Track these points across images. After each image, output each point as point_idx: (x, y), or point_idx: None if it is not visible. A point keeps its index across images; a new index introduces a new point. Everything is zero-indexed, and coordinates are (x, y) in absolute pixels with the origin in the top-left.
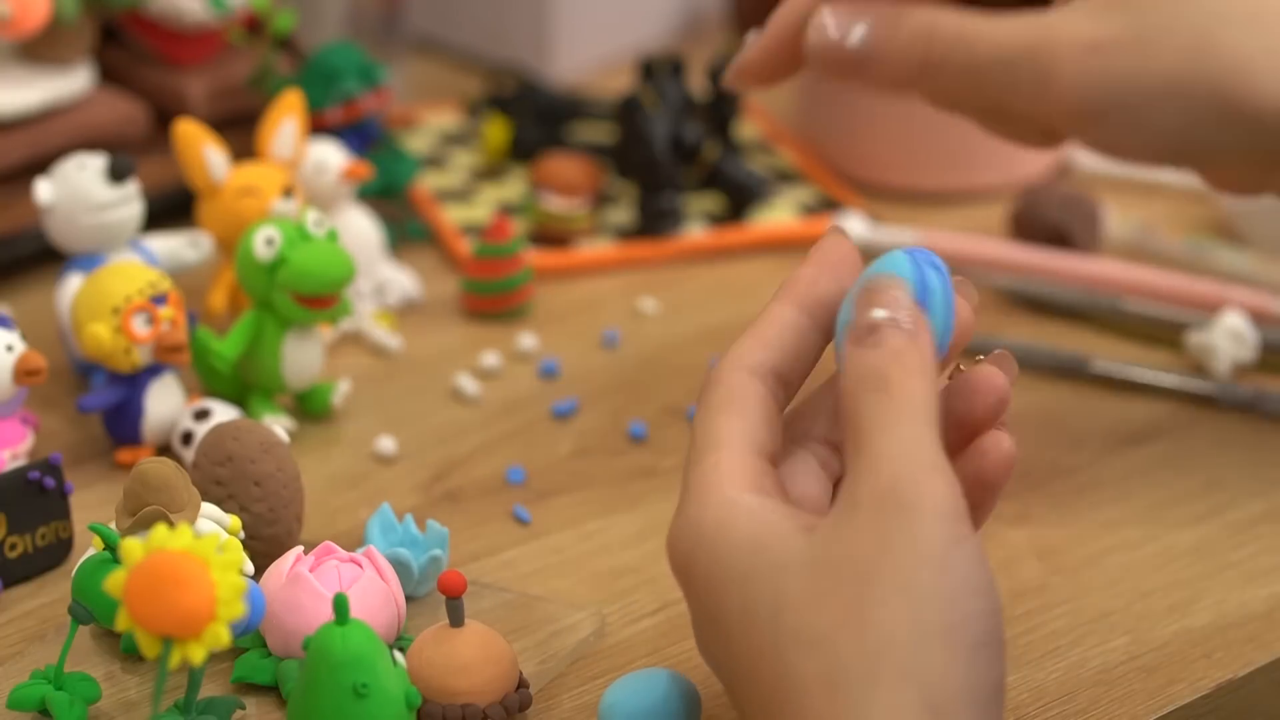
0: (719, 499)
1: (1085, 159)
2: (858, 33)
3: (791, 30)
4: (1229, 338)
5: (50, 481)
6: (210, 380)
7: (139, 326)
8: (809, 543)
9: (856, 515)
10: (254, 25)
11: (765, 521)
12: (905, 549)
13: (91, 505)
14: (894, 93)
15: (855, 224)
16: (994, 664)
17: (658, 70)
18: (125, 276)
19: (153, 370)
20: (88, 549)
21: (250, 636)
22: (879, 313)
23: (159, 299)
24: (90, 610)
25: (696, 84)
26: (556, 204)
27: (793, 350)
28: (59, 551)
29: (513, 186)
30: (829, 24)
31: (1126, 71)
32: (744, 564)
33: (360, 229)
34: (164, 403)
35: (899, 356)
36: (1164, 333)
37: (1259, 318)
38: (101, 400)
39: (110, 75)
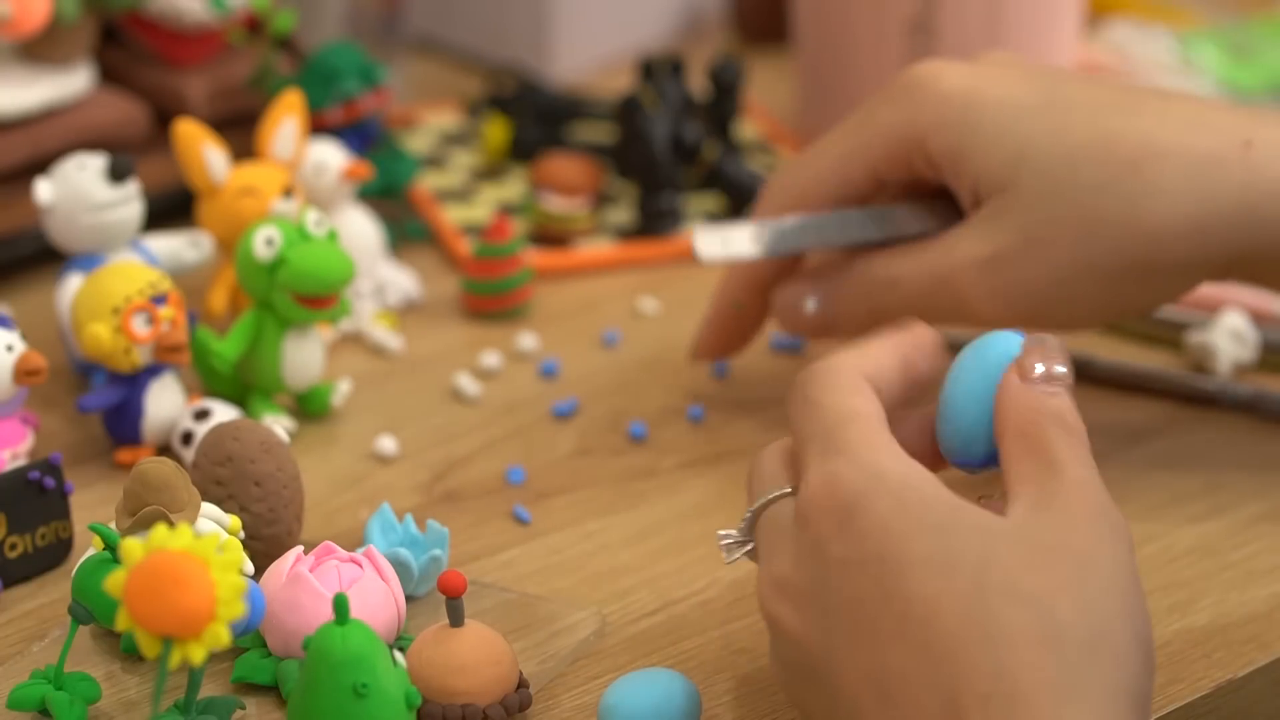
0: (893, 454)
1: None
2: (810, 304)
3: (727, 312)
4: (1229, 337)
5: (50, 481)
6: (210, 380)
7: (139, 326)
8: (1014, 520)
9: (1068, 517)
10: (254, 25)
11: (944, 488)
12: (1119, 558)
13: (91, 505)
14: (861, 336)
15: None
16: (1153, 676)
17: (658, 70)
18: (125, 276)
19: (153, 370)
20: (88, 549)
21: (250, 636)
22: (1060, 368)
23: (159, 299)
24: (90, 610)
25: (696, 84)
26: (556, 204)
27: (889, 380)
28: (59, 551)
29: (513, 186)
30: (787, 300)
31: (1023, 277)
32: (941, 516)
33: (360, 229)
34: (164, 403)
35: (1074, 411)
36: (1164, 332)
37: (1259, 318)
38: (101, 400)
39: (110, 75)
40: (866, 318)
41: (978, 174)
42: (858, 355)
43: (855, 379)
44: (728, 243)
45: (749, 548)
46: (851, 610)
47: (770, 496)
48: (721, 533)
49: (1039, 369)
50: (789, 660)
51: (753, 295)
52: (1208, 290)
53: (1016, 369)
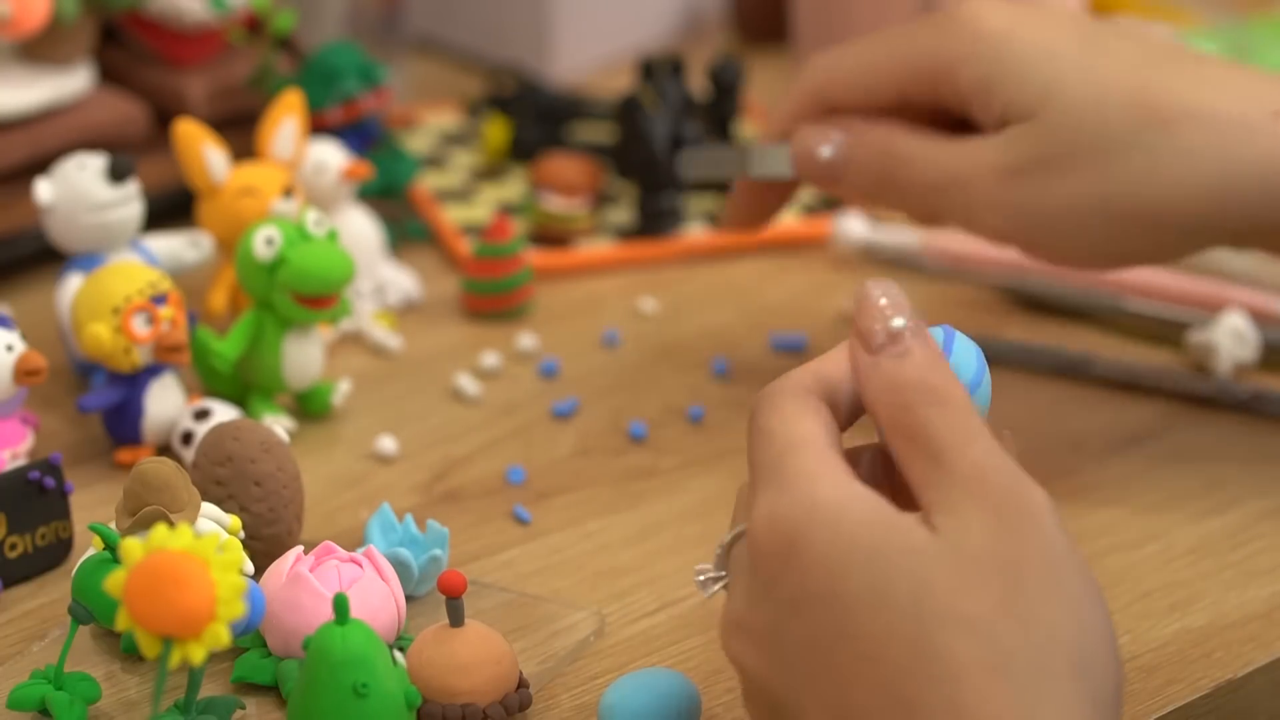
0: (832, 481)
1: None
2: (826, 150)
3: (756, 189)
4: (1231, 337)
5: (50, 481)
6: (210, 380)
7: (139, 326)
8: (938, 535)
9: (981, 518)
10: (254, 25)
11: (882, 507)
12: (1044, 551)
13: (91, 505)
14: (863, 203)
15: (856, 225)
16: (1120, 662)
17: (658, 70)
18: (125, 276)
19: (153, 370)
20: (88, 549)
21: (250, 636)
22: (899, 321)
23: (159, 299)
24: (90, 610)
25: (696, 84)
26: (556, 204)
27: (847, 391)
28: (59, 551)
29: (513, 186)
30: (806, 140)
31: (1035, 197)
32: (872, 542)
33: (360, 229)
34: (164, 403)
35: (934, 364)
36: (1165, 332)
37: (1260, 318)
38: (101, 400)
39: (110, 75)
40: (873, 184)
41: (1006, 103)
42: (810, 372)
43: (802, 401)
44: (716, 164)
45: (724, 583)
46: (808, 651)
47: (736, 532)
48: (698, 568)
49: (878, 332)
50: (757, 700)
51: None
52: (1209, 290)
53: (859, 339)
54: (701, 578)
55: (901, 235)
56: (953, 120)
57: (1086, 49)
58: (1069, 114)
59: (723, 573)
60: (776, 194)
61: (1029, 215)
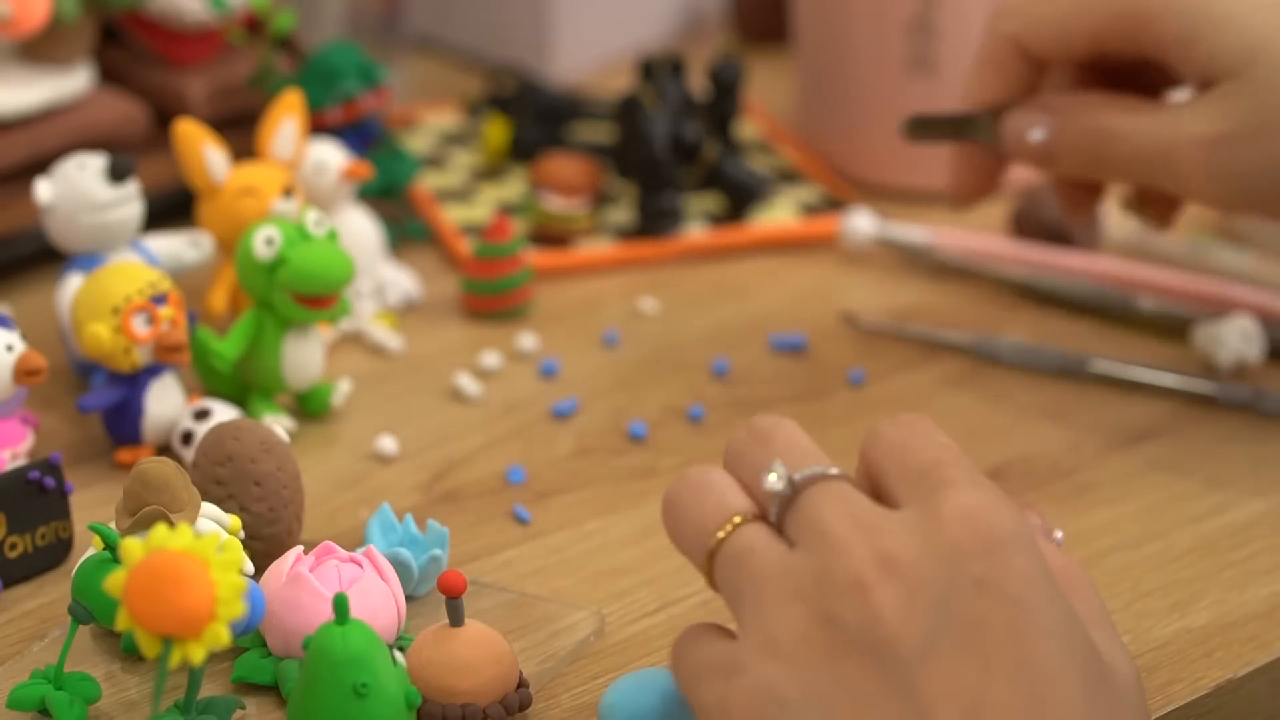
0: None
1: None
2: (1037, 133)
3: (972, 155)
4: (1237, 335)
5: (50, 481)
6: (210, 380)
7: (139, 326)
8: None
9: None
10: (254, 25)
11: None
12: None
13: (91, 505)
14: (1071, 178)
15: (864, 221)
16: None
17: (658, 70)
18: (125, 276)
19: (153, 370)
20: (88, 549)
21: (250, 636)
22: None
23: (159, 299)
24: (90, 610)
25: (696, 84)
26: (556, 204)
27: None
28: (59, 551)
29: (513, 186)
30: (1017, 124)
31: (1247, 162)
32: (1063, 599)
33: (360, 229)
34: (164, 403)
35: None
36: (1172, 328)
37: (1265, 317)
38: (101, 400)
39: (110, 75)
40: (1086, 163)
41: (1210, 56)
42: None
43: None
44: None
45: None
46: (973, 629)
47: (831, 471)
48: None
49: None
50: (859, 641)
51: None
52: (1216, 288)
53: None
54: (774, 484)
55: (911, 230)
56: (1146, 71)
57: None
58: (1278, 71)
59: (789, 491)
60: (997, 159)
61: (1242, 180)
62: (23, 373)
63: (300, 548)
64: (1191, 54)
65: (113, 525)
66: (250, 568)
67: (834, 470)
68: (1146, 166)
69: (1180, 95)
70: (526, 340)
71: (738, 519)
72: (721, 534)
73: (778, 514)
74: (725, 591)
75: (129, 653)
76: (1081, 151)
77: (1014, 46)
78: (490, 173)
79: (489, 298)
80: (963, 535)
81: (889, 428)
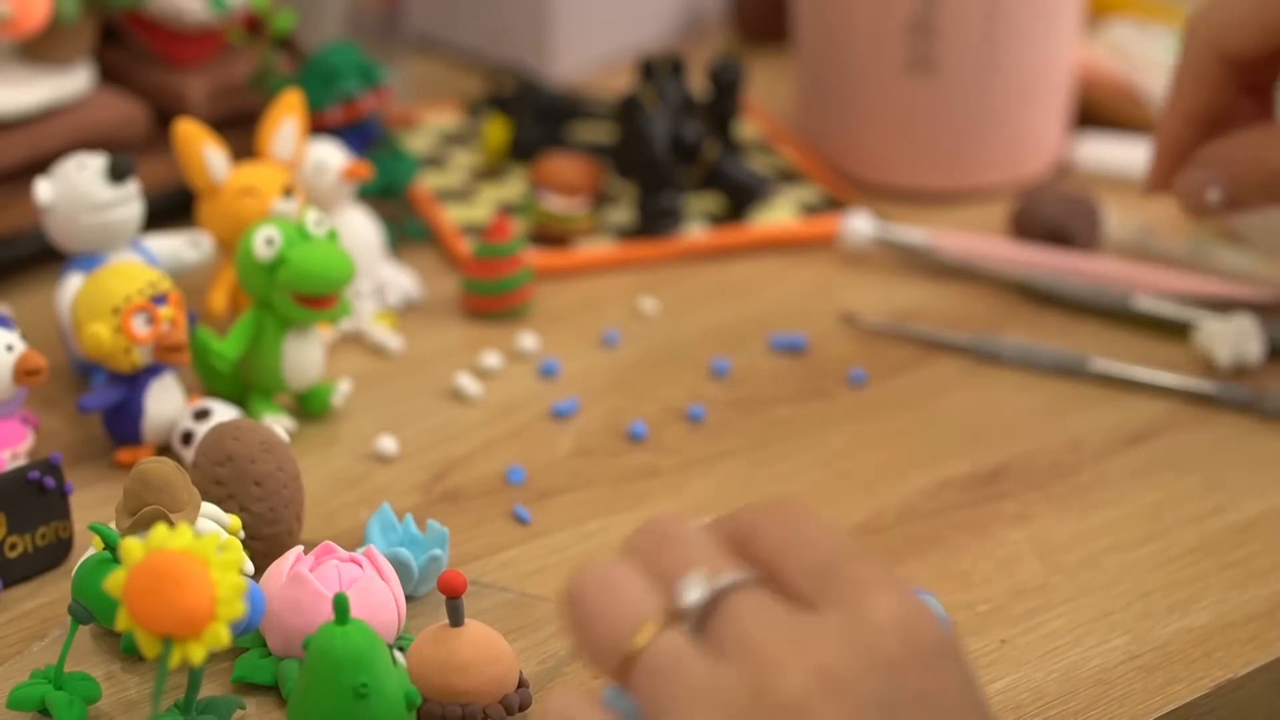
0: None
1: (1085, 159)
2: (1213, 194)
3: (1169, 158)
4: (1236, 333)
5: (50, 481)
6: (210, 380)
7: (139, 326)
8: None
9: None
10: (254, 25)
11: None
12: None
13: (91, 505)
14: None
15: (863, 222)
16: None
17: (658, 70)
18: (125, 276)
19: (153, 370)
20: (88, 549)
21: (250, 636)
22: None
23: (159, 299)
24: (90, 610)
25: (696, 84)
26: (556, 204)
27: None
28: (59, 551)
29: (513, 186)
30: (1185, 186)
31: None
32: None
33: (360, 229)
34: (164, 403)
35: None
36: (1171, 327)
37: (1265, 317)
38: (101, 400)
39: (110, 75)
40: (1268, 201)
41: None
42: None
43: None
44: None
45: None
46: None
47: (739, 580)
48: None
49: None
50: None
51: (1192, 130)
52: (1217, 287)
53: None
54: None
55: (910, 230)
56: None
57: None
58: None
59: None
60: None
61: None
62: (23, 373)
63: (300, 548)
64: None
65: (113, 525)
66: (250, 568)
67: (748, 576)
68: None
69: None
70: (526, 340)
71: (654, 625)
72: (640, 640)
73: (697, 623)
74: (645, 702)
75: (129, 653)
76: (1262, 194)
77: (1213, 52)
78: (490, 173)
79: (489, 298)
80: (899, 647)
81: (769, 523)
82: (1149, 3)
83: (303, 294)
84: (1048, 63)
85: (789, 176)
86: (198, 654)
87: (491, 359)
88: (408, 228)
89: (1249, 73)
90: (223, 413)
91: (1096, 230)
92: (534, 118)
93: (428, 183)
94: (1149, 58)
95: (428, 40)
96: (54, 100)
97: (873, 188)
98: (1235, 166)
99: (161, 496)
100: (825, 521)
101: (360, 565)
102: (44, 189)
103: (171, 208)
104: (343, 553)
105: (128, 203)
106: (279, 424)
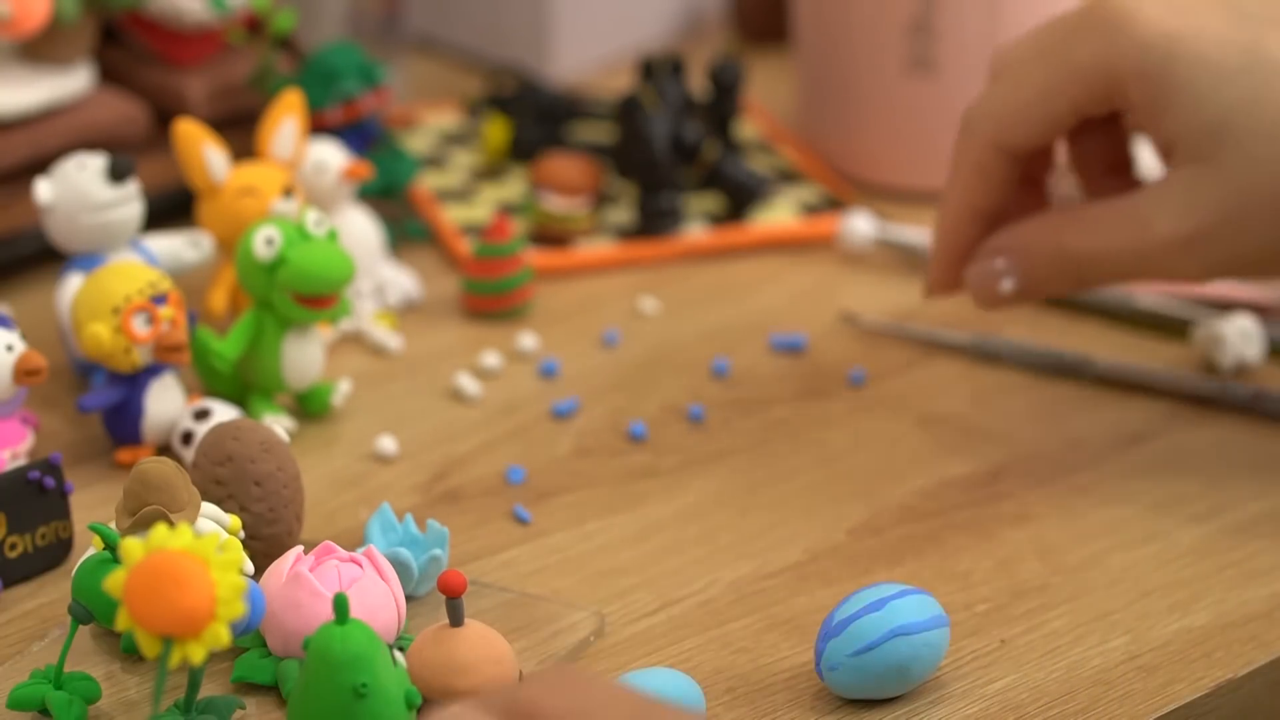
0: None
1: None
2: (1006, 285)
3: (951, 258)
4: (1237, 334)
5: (50, 481)
6: (210, 380)
7: (139, 326)
8: None
9: None
10: (254, 25)
11: None
12: None
13: (91, 505)
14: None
15: (863, 222)
16: None
17: (658, 70)
18: (125, 276)
19: (153, 370)
20: (88, 549)
21: (250, 636)
22: None
23: (159, 299)
24: (90, 610)
25: (696, 84)
26: (556, 204)
27: None
28: (59, 551)
29: (513, 186)
30: (978, 277)
31: (1232, 250)
32: None
33: (360, 229)
34: (164, 403)
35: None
36: (1171, 327)
37: (1266, 316)
38: (101, 400)
39: (110, 75)
40: (1068, 290)
41: (1175, 135)
42: None
43: None
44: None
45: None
46: None
47: None
48: None
49: None
50: None
51: (975, 225)
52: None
53: None
54: None
55: (910, 231)
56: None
57: (1255, 64)
58: (1244, 153)
59: None
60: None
61: (1227, 266)
62: (23, 373)
63: (300, 548)
64: (1159, 125)
65: (113, 525)
66: (250, 568)
67: None
68: (1131, 274)
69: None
70: (526, 340)
71: None
72: None
73: None
74: None
75: (129, 653)
76: (1060, 284)
77: (993, 145)
78: (490, 173)
79: (489, 298)
80: None
81: (552, 697)
82: None
83: (303, 294)
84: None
85: (789, 176)
86: (198, 654)
87: (491, 359)
88: (408, 228)
89: (1027, 165)
90: (223, 413)
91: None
92: (534, 118)
93: (428, 183)
94: None
95: (428, 40)
96: (54, 100)
97: (873, 188)
98: (1030, 254)
99: (161, 496)
100: (611, 688)
101: (360, 565)
102: (44, 189)
103: (171, 208)
104: (343, 553)
105: (128, 203)
106: (279, 424)
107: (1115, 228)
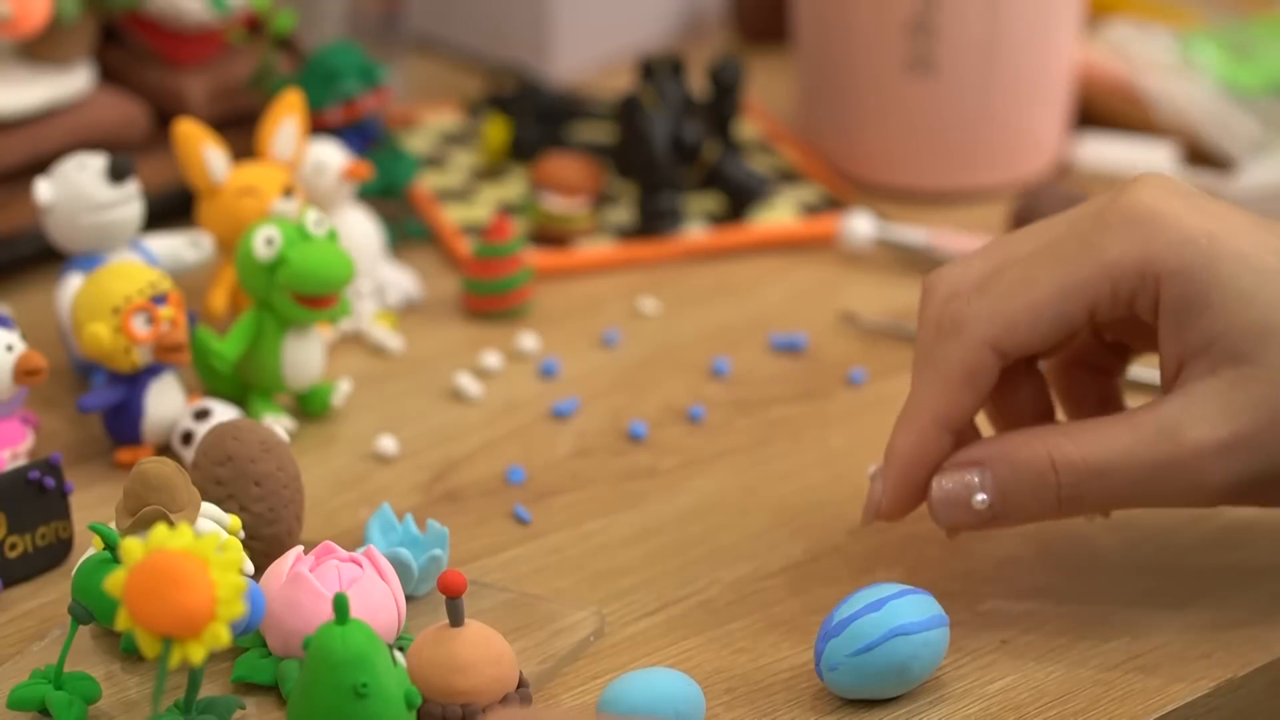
0: None
1: (1085, 158)
2: (979, 499)
3: (913, 475)
4: None
5: (50, 481)
6: (210, 380)
7: (139, 326)
8: None
9: None
10: (254, 25)
11: None
12: None
13: (91, 505)
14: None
15: (864, 223)
16: None
17: (658, 70)
18: (125, 276)
19: (153, 370)
20: (88, 549)
21: (250, 636)
22: None
23: (159, 299)
24: (90, 610)
25: (696, 84)
26: (556, 204)
27: None
28: (59, 551)
29: (513, 186)
30: (948, 493)
31: (1263, 466)
32: None
33: (360, 229)
34: (164, 403)
35: None
36: None
37: None
38: (101, 400)
39: (110, 75)
40: (1051, 509)
41: (1212, 337)
42: None
43: None
44: None
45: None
46: None
47: None
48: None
49: None
50: None
51: (947, 438)
52: None
53: None
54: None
55: (910, 230)
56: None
57: None
58: None
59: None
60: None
61: (1256, 478)
62: (23, 373)
63: (300, 548)
64: (1192, 328)
65: (113, 525)
66: (250, 568)
67: None
68: (1142, 489)
69: (1144, 375)
70: (526, 340)
71: None
72: None
73: None
74: None
75: (129, 653)
76: (1041, 502)
77: (990, 351)
78: (490, 173)
79: (489, 298)
80: None
81: None
82: (1149, 3)
83: (303, 294)
84: (1048, 63)
85: (789, 176)
86: (198, 654)
87: (491, 359)
88: (408, 228)
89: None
90: (223, 413)
91: None
92: (534, 118)
93: (428, 183)
94: (1149, 58)
95: (428, 40)
96: (54, 100)
97: (873, 188)
98: (1015, 467)
99: (161, 496)
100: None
101: (360, 565)
102: (44, 189)
103: (171, 208)
104: (343, 553)
105: (128, 203)
106: (279, 424)
107: (1131, 437)
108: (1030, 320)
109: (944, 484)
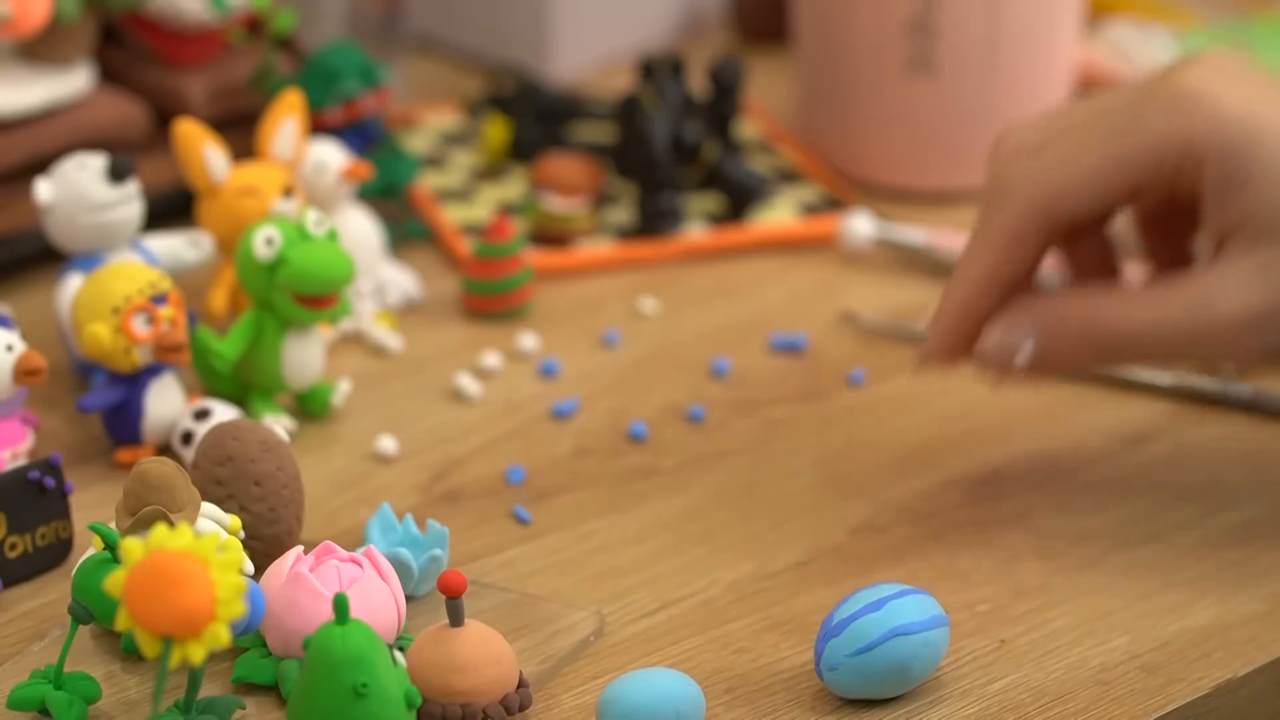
0: None
1: None
2: (1025, 351)
3: (962, 327)
4: None
5: (50, 481)
6: (210, 380)
7: (139, 326)
8: None
9: None
10: (254, 25)
11: None
12: None
13: (91, 505)
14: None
15: (863, 223)
16: None
17: (658, 70)
18: (125, 276)
19: (153, 370)
20: (88, 549)
21: (250, 636)
22: None
23: (159, 299)
24: (90, 610)
25: (696, 84)
26: (556, 204)
27: None
28: (59, 551)
29: (513, 186)
30: (998, 345)
31: None
32: None
33: (360, 229)
34: (164, 403)
35: None
36: None
37: None
38: (101, 400)
39: (110, 75)
40: (1086, 365)
41: (1249, 213)
42: None
43: None
44: None
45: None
46: None
47: None
48: None
49: None
50: None
51: (994, 295)
52: None
53: None
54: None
55: (910, 230)
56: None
57: None
58: None
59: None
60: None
61: None
62: (23, 373)
63: (300, 548)
64: (1231, 204)
65: (113, 525)
66: (250, 568)
67: None
68: (1170, 353)
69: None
70: (526, 340)
71: None
72: None
73: None
74: None
75: (129, 653)
76: (1080, 358)
77: (1039, 216)
78: (490, 173)
79: (489, 298)
80: None
81: None
82: (1149, 3)
83: (303, 294)
84: (1048, 63)
85: (789, 176)
86: (198, 654)
87: (491, 359)
88: (408, 228)
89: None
90: (223, 413)
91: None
92: (534, 118)
93: (428, 183)
94: (1149, 58)
95: (428, 40)
96: (54, 100)
97: (873, 188)
98: (1060, 327)
99: (161, 496)
100: None
101: (360, 565)
102: (44, 189)
103: (171, 208)
104: (343, 553)
105: (128, 203)
106: (279, 424)
107: (1167, 306)
108: (1075, 191)
109: (994, 340)
